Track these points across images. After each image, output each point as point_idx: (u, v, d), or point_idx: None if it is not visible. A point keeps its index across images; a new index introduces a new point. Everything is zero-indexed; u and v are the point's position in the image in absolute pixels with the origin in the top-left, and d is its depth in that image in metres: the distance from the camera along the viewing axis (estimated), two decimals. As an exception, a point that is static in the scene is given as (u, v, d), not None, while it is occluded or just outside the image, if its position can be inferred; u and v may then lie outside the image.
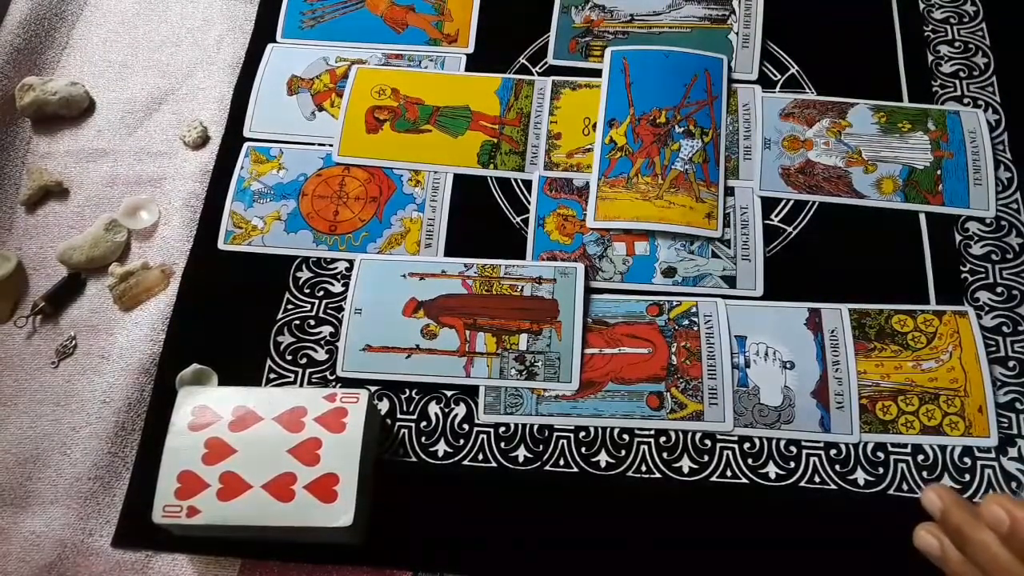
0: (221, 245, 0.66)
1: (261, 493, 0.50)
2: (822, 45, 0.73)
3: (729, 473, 0.57)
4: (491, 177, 0.68)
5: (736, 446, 0.58)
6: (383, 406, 0.60)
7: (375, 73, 0.72)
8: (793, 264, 0.64)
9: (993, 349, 0.61)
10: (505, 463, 0.58)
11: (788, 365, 0.60)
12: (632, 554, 0.55)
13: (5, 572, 0.55)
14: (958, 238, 0.65)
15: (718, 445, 0.58)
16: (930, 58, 0.72)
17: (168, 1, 0.78)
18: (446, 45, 0.74)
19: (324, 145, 0.70)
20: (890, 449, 0.58)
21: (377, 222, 0.67)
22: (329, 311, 0.63)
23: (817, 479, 0.57)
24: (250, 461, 0.51)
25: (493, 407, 0.60)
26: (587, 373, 0.60)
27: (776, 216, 0.66)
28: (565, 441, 0.59)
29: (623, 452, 0.58)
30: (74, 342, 0.63)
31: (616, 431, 0.59)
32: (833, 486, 0.57)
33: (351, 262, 0.65)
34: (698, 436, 0.58)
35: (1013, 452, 0.57)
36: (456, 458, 0.58)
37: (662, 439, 0.58)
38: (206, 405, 0.53)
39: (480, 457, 0.58)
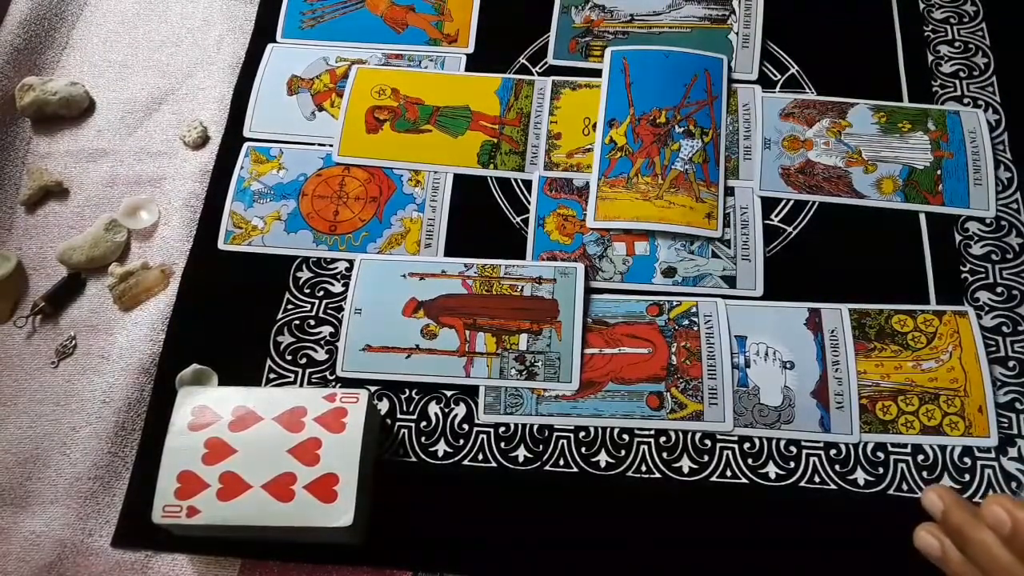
0: (221, 245, 0.66)
1: (261, 493, 0.50)
2: (822, 45, 0.73)
3: (729, 473, 0.57)
4: (491, 177, 0.68)
5: (736, 446, 0.58)
6: (383, 406, 0.60)
7: (375, 73, 0.72)
8: (793, 264, 0.64)
9: (993, 349, 0.61)
10: (505, 463, 0.58)
11: (788, 365, 0.60)
12: (632, 554, 0.55)
13: (5, 572, 0.55)
14: (958, 238, 0.65)
15: (718, 445, 0.58)
16: (930, 58, 0.72)
17: (168, 1, 0.78)
18: (446, 45, 0.74)
19: (324, 145, 0.70)
20: (890, 449, 0.58)
21: (377, 222, 0.67)
22: (329, 311, 0.63)
23: (817, 479, 0.57)
24: (250, 461, 0.51)
25: (493, 407, 0.60)
26: (587, 373, 0.60)
27: (776, 216, 0.66)
28: (565, 441, 0.59)
29: (623, 452, 0.58)
30: (74, 342, 0.63)
31: (616, 431, 0.59)
32: (833, 486, 0.57)
33: (351, 262, 0.65)
34: (698, 436, 0.58)
35: (1013, 452, 0.57)
36: (456, 458, 0.58)
37: (662, 439, 0.58)
38: (206, 405, 0.53)
39: (480, 457, 0.58)
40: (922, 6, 0.75)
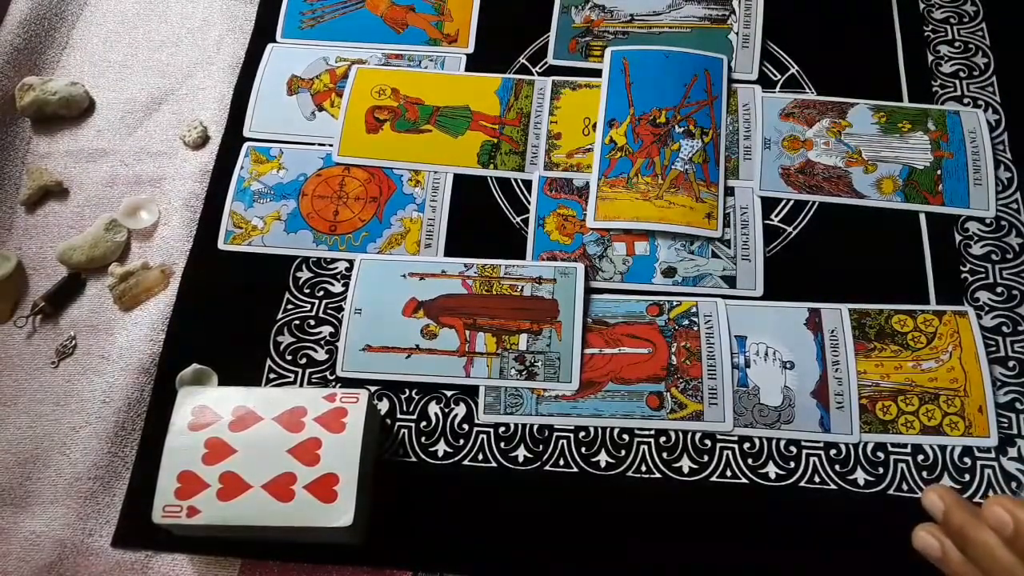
0: (221, 245, 0.66)
1: (261, 493, 0.50)
2: (822, 45, 0.73)
3: (729, 473, 0.57)
4: (491, 177, 0.68)
5: (736, 446, 0.58)
6: (383, 406, 0.60)
7: (375, 73, 0.72)
8: (793, 264, 0.64)
9: (993, 349, 0.61)
10: (505, 463, 0.58)
11: (788, 365, 0.60)
12: (632, 554, 0.55)
13: (5, 572, 0.55)
14: (958, 238, 0.65)
15: (718, 445, 0.58)
16: (930, 58, 0.72)
17: (168, 1, 0.78)
18: (446, 45, 0.74)
19: (324, 145, 0.70)
20: (890, 449, 0.58)
21: (377, 222, 0.67)
22: (329, 311, 0.63)
23: (817, 479, 0.57)
24: (250, 461, 0.51)
25: (493, 407, 0.60)
26: (587, 373, 0.60)
27: (776, 216, 0.66)
28: (565, 441, 0.59)
29: (623, 452, 0.58)
30: (74, 342, 0.63)
31: (616, 431, 0.59)
32: (833, 486, 0.57)
33: (351, 262, 0.65)
34: (698, 436, 0.58)
35: (1013, 452, 0.57)
36: (456, 458, 0.58)
37: (662, 439, 0.58)
38: (206, 405, 0.53)
39: (480, 457, 0.58)
40: (922, 6, 0.75)
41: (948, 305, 0.62)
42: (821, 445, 0.58)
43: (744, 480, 0.57)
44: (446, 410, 0.60)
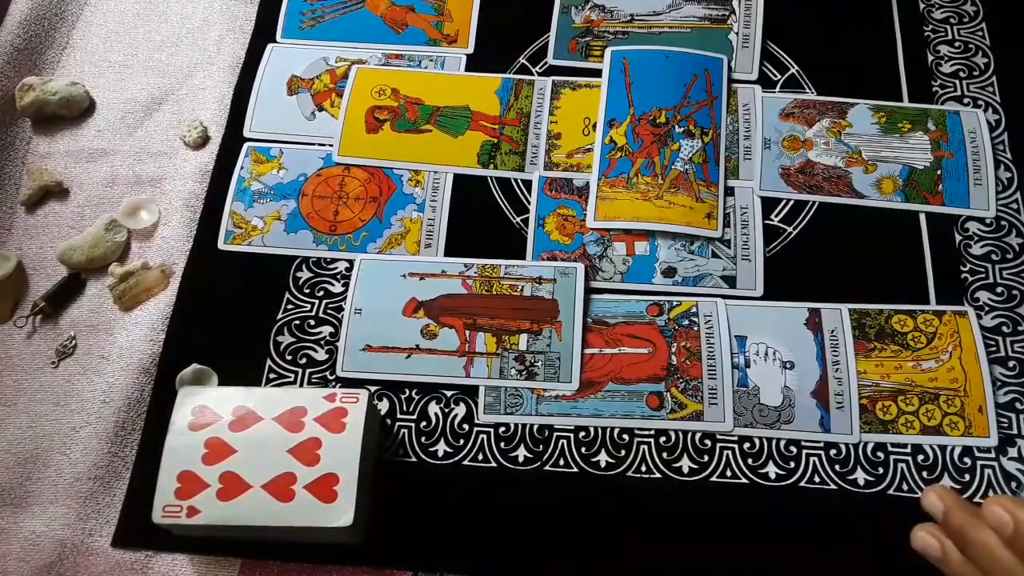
0: (221, 245, 0.66)
1: (261, 493, 0.50)
2: (822, 45, 0.73)
3: (729, 473, 0.57)
4: (491, 177, 0.68)
5: (736, 446, 0.58)
6: (383, 406, 0.60)
7: (375, 73, 0.72)
8: (793, 264, 0.64)
9: (993, 349, 0.61)
10: (505, 463, 0.58)
11: (788, 365, 0.60)
12: (632, 554, 0.55)
13: (5, 572, 0.55)
14: (958, 238, 0.65)
15: (718, 445, 0.58)
16: (930, 58, 0.72)
17: (168, 1, 0.78)
18: (446, 45, 0.74)
19: (324, 145, 0.70)
20: (890, 449, 0.58)
21: (377, 222, 0.67)
22: (329, 311, 0.63)
23: (817, 479, 0.57)
24: (250, 461, 0.51)
25: (493, 407, 0.60)
26: (587, 373, 0.60)
27: (776, 216, 0.66)
28: (565, 441, 0.59)
29: (623, 452, 0.58)
30: (74, 342, 0.63)
31: (616, 431, 0.59)
32: (833, 486, 0.57)
33: (351, 262, 0.65)
34: (698, 436, 0.58)
35: (1013, 452, 0.57)
36: (456, 458, 0.58)
37: (662, 439, 0.58)
38: (206, 405, 0.53)
39: (480, 457, 0.58)
40: (922, 6, 0.75)
41: (948, 305, 0.62)
42: (821, 445, 0.58)
43: (744, 480, 0.57)
44: (446, 410, 0.60)
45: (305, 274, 0.65)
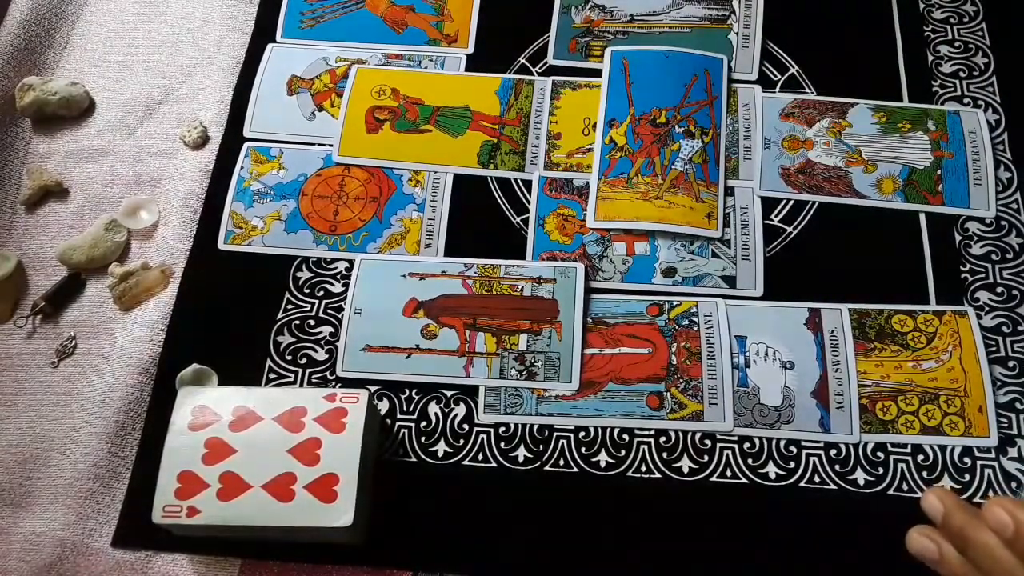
0: (221, 245, 0.66)
1: (261, 493, 0.50)
2: (822, 45, 0.73)
3: (729, 473, 0.57)
4: (491, 177, 0.68)
5: (736, 446, 0.58)
6: (383, 406, 0.60)
7: (375, 73, 0.72)
8: (793, 264, 0.64)
9: (993, 349, 0.61)
10: (505, 463, 0.58)
11: (788, 365, 0.60)
12: (632, 554, 0.55)
13: (5, 572, 0.55)
14: (958, 238, 0.65)
15: (718, 445, 0.58)
16: (930, 58, 0.72)
17: (168, 1, 0.78)
18: (446, 45, 0.74)
19: (324, 145, 0.70)
20: (890, 449, 0.58)
21: (377, 222, 0.67)
22: (329, 311, 0.63)
23: (817, 479, 0.57)
24: (250, 461, 0.51)
25: (493, 407, 0.60)
26: (587, 373, 0.60)
27: (776, 216, 0.66)
28: (565, 441, 0.59)
29: (623, 452, 0.58)
30: (74, 342, 0.63)
31: (616, 431, 0.59)
32: (833, 486, 0.57)
33: (351, 262, 0.65)
34: (698, 436, 0.58)
35: (1013, 452, 0.57)
36: (456, 458, 0.58)
37: (662, 439, 0.58)
38: (206, 405, 0.53)
39: (480, 457, 0.58)
40: (922, 6, 0.75)
41: (948, 305, 0.62)
42: (821, 445, 0.58)
43: (744, 480, 0.57)
44: (446, 410, 0.60)
45: (305, 274, 0.65)
